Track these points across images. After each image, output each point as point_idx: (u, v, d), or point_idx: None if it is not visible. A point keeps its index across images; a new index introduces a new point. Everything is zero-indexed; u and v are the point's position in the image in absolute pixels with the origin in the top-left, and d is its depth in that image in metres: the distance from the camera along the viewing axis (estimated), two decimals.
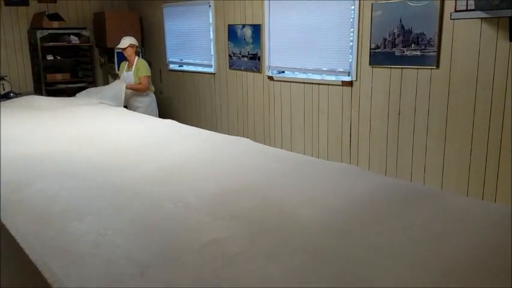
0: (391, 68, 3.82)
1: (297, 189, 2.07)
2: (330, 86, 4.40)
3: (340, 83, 4.29)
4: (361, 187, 2.10)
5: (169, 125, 3.51)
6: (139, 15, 6.78)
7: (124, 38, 5.41)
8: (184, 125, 3.63)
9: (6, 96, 5.92)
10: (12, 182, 2.17)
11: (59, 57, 6.40)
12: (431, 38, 3.45)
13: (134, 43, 5.40)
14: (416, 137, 3.74)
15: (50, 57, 6.30)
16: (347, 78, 4.24)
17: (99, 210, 1.83)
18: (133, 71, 5.35)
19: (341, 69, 4.28)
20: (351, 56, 4.17)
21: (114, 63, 6.33)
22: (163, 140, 3.06)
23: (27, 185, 2.12)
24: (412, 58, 3.62)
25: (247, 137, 5.46)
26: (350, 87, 4.22)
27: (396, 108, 3.85)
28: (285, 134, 4.95)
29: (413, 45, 3.59)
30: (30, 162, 2.48)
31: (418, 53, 3.56)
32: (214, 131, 5.88)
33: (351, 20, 4.11)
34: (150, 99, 5.48)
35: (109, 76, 6.86)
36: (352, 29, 4.12)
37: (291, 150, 4.89)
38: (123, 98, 4.98)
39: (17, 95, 5.97)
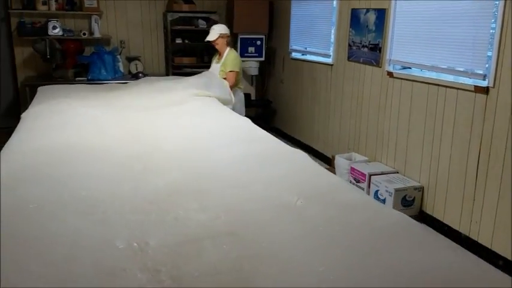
0: None
1: (289, 255, 1.42)
2: (459, 91, 3.41)
3: (473, 89, 3.28)
4: (405, 268, 1.36)
5: (237, 125, 3.04)
6: (270, 0, 6.39)
7: (213, 27, 4.84)
8: (255, 126, 3.11)
9: (135, 76, 6.17)
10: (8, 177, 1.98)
11: (187, 41, 6.41)
12: None
13: (225, 32, 4.79)
14: None
15: (178, 41, 6.36)
16: (482, 83, 3.21)
17: (35, 240, 1.49)
18: (222, 63, 4.76)
19: (478, 71, 3.25)
20: (490, 53, 3.13)
21: (236, 49, 6.10)
22: (213, 142, 2.62)
23: (12, 187, 1.90)
24: None
25: (358, 142, 4.73)
26: (485, 95, 3.19)
27: None
28: (399, 145, 4.07)
29: None
30: (51, 156, 2.28)
31: None
32: (325, 129, 5.32)
33: (494, 5, 3.06)
34: (235, 99, 4.63)
35: None
36: (493, 19, 3.07)
37: (404, 167, 4.01)
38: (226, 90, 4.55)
39: (145, 75, 6.17)
